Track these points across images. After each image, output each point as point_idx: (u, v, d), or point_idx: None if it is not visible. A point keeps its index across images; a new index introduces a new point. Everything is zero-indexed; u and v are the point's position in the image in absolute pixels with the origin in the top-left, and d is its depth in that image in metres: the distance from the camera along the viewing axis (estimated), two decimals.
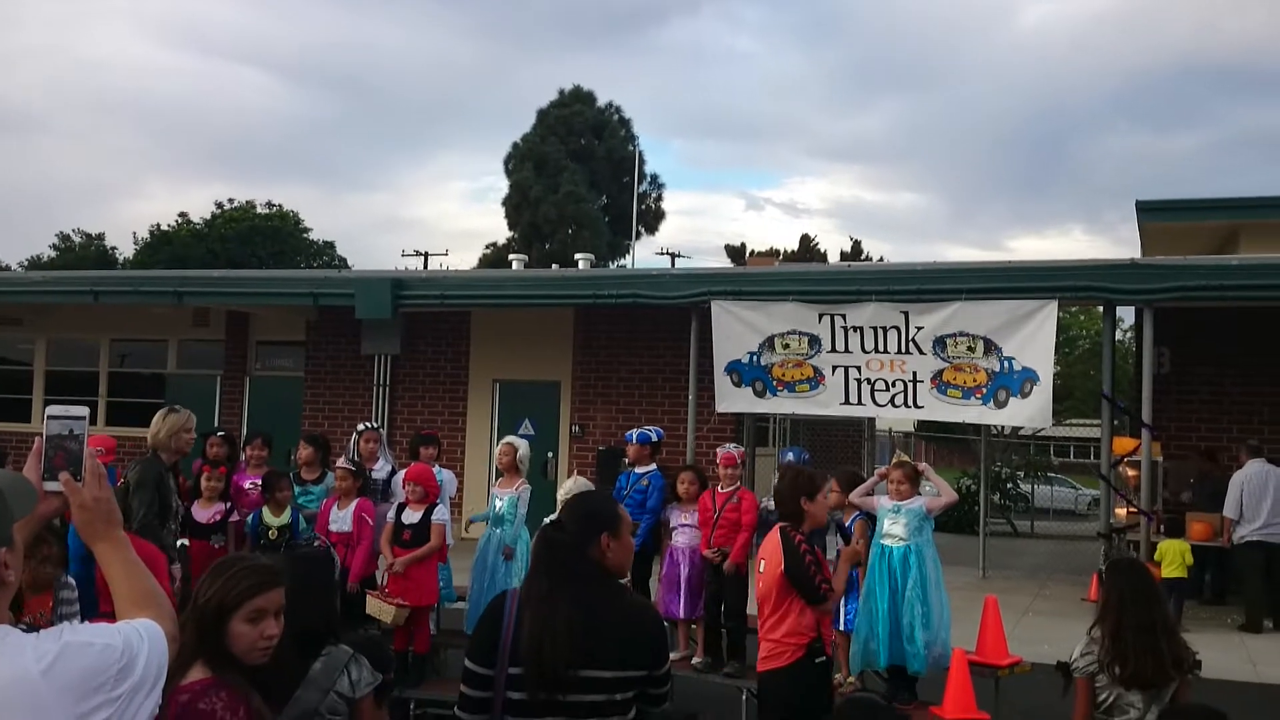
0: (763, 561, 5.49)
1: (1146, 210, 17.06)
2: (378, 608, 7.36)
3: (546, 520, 3.60)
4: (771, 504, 7.50)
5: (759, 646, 5.49)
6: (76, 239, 46.24)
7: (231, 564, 3.06)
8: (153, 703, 2.04)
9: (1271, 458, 12.44)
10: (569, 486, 8.22)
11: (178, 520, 6.93)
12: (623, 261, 44.24)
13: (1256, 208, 16.60)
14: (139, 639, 2.06)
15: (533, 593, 3.25)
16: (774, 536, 5.45)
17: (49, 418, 2.26)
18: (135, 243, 44.62)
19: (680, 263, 34.90)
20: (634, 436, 8.64)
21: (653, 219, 49.96)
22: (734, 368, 13.39)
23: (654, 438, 8.67)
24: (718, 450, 8.26)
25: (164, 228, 43.92)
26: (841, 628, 7.29)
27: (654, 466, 8.49)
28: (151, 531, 6.53)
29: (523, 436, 10.66)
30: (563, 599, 3.19)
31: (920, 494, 7.27)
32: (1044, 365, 12.08)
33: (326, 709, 3.43)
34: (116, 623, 2.12)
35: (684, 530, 7.89)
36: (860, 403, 12.91)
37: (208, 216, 43.99)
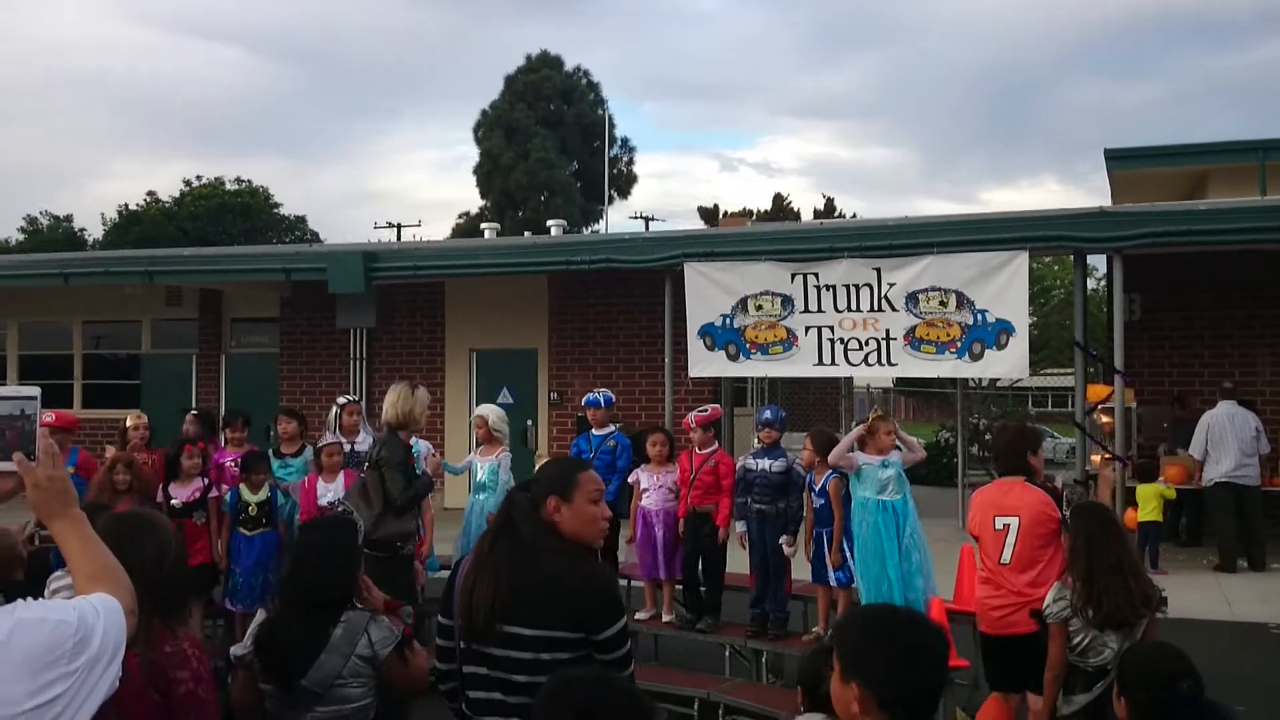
0: (1004, 518, 5.51)
1: (1115, 158, 17.16)
2: None
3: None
4: (752, 462, 7.58)
5: (1022, 609, 5.42)
6: (44, 221, 45.71)
7: (142, 521, 3.23)
8: (112, 674, 2.06)
9: (1245, 400, 12.61)
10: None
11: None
12: (596, 227, 44.08)
13: (1224, 152, 16.75)
14: (94, 614, 2.07)
15: (478, 548, 3.37)
16: (1029, 490, 5.52)
17: None
18: (104, 224, 44.18)
19: (654, 226, 34.76)
20: (602, 401, 8.72)
21: (625, 183, 49.76)
22: (707, 331, 13.41)
23: (612, 399, 8.99)
24: None
25: (132, 207, 43.50)
26: (831, 583, 7.33)
27: (614, 428, 8.65)
28: (409, 509, 6.63)
29: (501, 405, 10.72)
30: (496, 555, 3.28)
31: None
32: (1018, 316, 12.16)
33: (349, 672, 3.56)
34: (75, 598, 2.14)
35: (655, 492, 7.94)
36: (834, 363, 12.95)
37: (176, 195, 43.59)
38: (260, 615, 3.81)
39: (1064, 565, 4.93)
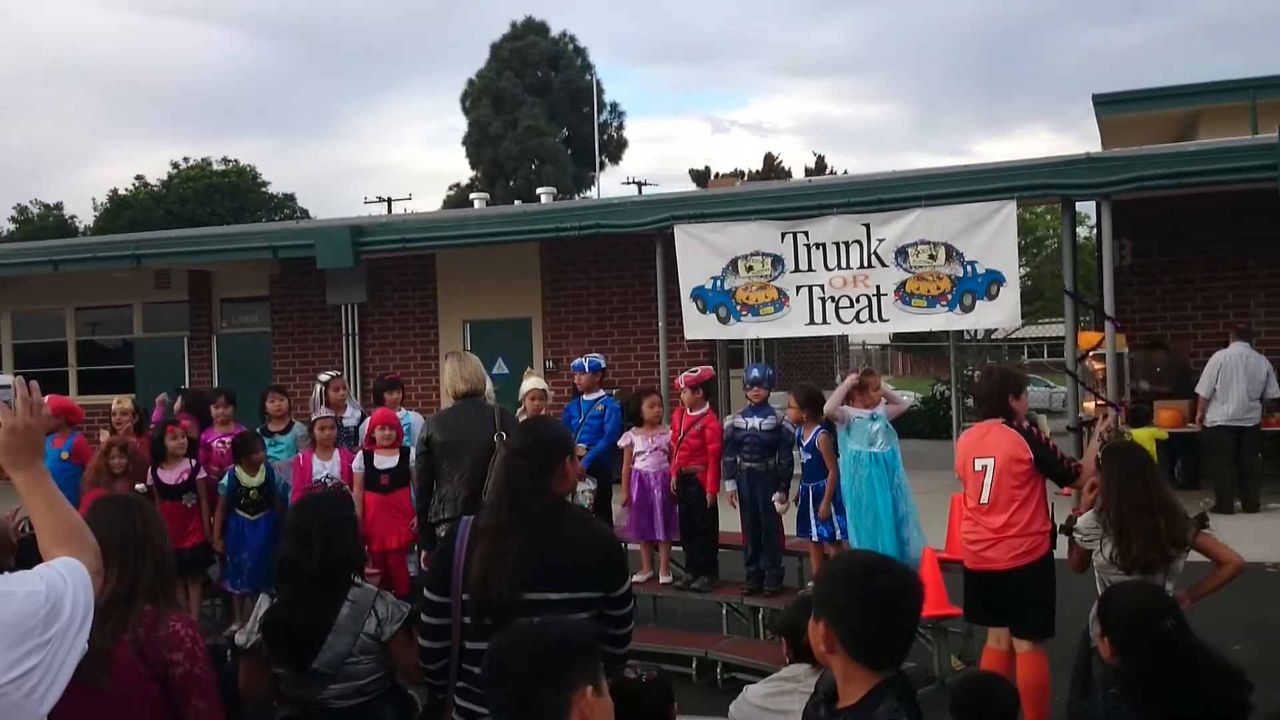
0: (981, 460, 5.63)
1: (1103, 103, 17.04)
2: None
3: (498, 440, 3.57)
4: (741, 421, 7.58)
5: (997, 545, 5.61)
6: (34, 210, 45.51)
7: (131, 504, 3.25)
8: (83, 639, 2.07)
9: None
10: (528, 386, 8.27)
11: None
12: (588, 194, 43.89)
13: (1214, 92, 16.61)
14: (62, 581, 2.07)
15: (489, 523, 3.29)
16: (1005, 433, 5.60)
17: None
18: (95, 209, 44.07)
19: (647, 191, 34.61)
20: (585, 365, 8.65)
21: (616, 149, 49.48)
22: (698, 294, 13.38)
23: (603, 364, 8.80)
24: None
25: (121, 192, 43.34)
26: (814, 539, 7.38)
27: (603, 393, 8.63)
28: None
29: (497, 375, 10.65)
30: (514, 528, 3.23)
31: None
32: (1008, 266, 12.11)
33: (359, 650, 3.58)
34: (38, 567, 2.13)
35: (650, 454, 7.94)
36: (825, 321, 12.92)
37: (164, 178, 43.44)
38: (264, 601, 3.78)
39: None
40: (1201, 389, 12.11)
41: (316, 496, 5.12)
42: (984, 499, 5.64)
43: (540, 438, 3.46)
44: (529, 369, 9.19)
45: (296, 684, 3.59)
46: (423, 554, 6.79)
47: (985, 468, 5.62)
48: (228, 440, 8.35)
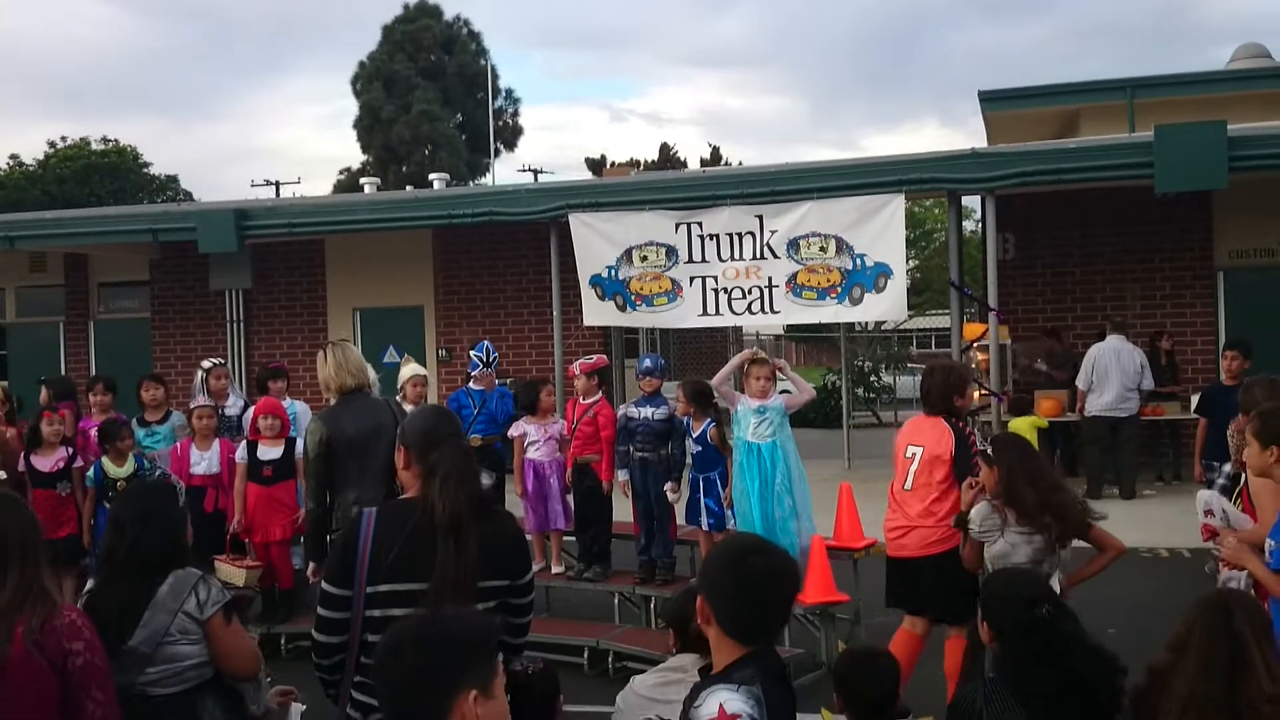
0: (913, 448, 5.73)
1: (989, 100, 17.45)
2: (227, 572, 6.43)
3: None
4: (634, 410, 7.59)
5: (911, 533, 5.69)
6: None
7: (17, 501, 3.18)
8: None
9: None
10: (408, 372, 8.15)
11: None
12: (483, 180, 43.44)
13: (1094, 91, 17.15)
14: None
15: (453, 515, 3.17)
16: (938, 425, 5.71)
17: None
18: None
19: (543, 179, 34.39)
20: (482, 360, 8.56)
21: (511, 135, 49.08)
22: (596, 281, 13.36)
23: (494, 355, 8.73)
24: None
25: None
26: (704, 528, 7.44)
27: (498, 383, 8.61)
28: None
29: (388, 364, 10.48)
30: (464, 515, 3.19)
31: (777, 393, 7.45)
32: (896, 258, 12.32)
33: (177, 629, 3.44)
34: None
35: (544, 444, 7.89)
36: (718, 313, 13.00)
37: (41, 157, 41.78)
38: (89, 585, 3.74)
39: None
40: (1080, 381, 12.54)
41: (137, 486, 5.00)
42: (907, 485, 5.77)
43: (447, 429, 3.41)
44: (405, 356, 9.08)
45: (116, 669, 3.43)
46: (310, 565, 6.10)
47: (914, 455, 5.76)
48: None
